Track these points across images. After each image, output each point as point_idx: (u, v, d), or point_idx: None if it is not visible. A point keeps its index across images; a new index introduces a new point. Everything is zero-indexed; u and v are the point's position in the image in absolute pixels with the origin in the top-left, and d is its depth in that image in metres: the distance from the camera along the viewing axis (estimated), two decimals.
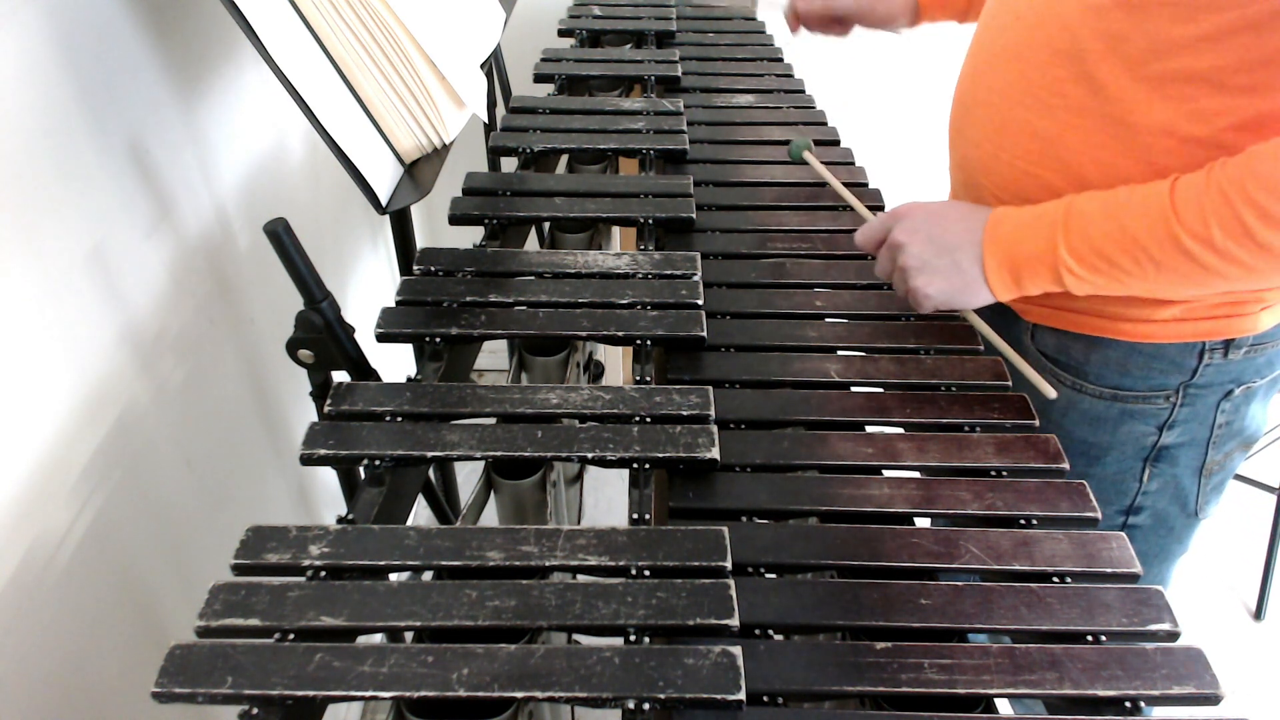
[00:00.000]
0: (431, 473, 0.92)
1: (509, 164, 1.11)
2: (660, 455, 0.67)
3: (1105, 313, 0.80)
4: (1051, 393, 0.75)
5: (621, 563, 0.59)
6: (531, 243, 1.01)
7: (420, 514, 1.51)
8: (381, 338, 0.79)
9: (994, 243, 0.72)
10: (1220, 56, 0.64)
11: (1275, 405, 0.87)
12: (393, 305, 0.81)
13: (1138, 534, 0.90)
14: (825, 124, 1.18)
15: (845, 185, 0.90)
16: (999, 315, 0.83)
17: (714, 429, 0.69)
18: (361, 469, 0.70)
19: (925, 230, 0.74)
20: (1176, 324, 0.78)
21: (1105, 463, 0.87)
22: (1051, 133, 0.74)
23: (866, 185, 1.04)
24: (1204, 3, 0.63)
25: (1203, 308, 0.77)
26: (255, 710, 0.51)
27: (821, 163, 0.92)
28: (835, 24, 1.08)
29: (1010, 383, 0.77)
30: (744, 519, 0.65)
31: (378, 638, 0.58)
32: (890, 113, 1.82)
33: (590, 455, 0.67)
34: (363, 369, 0.77)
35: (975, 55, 0.83)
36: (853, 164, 1.09)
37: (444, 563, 0.59)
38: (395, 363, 1.00)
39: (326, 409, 0.71)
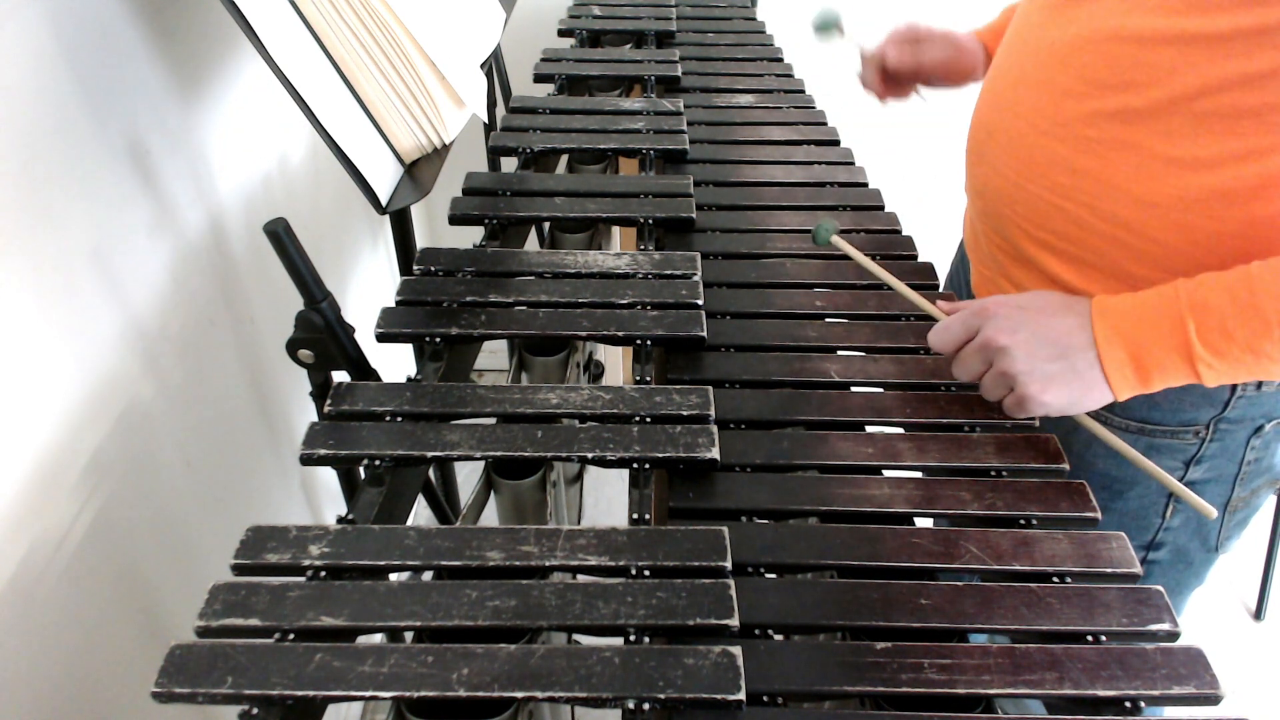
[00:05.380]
0: (431, 473, 0.92)
1: (509, 164, 1.11)
2: (660, 455, 0.67)
3: None
4: (1212, 512, 0.68)
5: (621, 563, 0.59)
6: (531, 243, 1.01)
7: (420, 514, 1.51)
8: (381, 338, 0.79)
9: (1112, 341, 0.65)
10: (1272, 94, 0.62)
11: None
12: (393, 305, 0.81)
13: (1156, 569, 0.87)
14: (825, 124, 1.18)
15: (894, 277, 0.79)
16: None
17: (714, 429, 0.69)
18: (361, 469, 0.70)
19: (1028, 330, 0.67)
20: None
21: (1128, 498, 0.84)
22: (1084, 165, 0.71)
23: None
24: (1259, 38, 0.61)
25: None
26: (255, 710, 0.51)
27: (862, 255, 0.81)
28: (907, 85, 1.02)
29: None
30: (744, 519, 0.65)
31: (378, 638, 0.58)
32: (890, 113, 1.81)
33: (590, 455, 0.67)
34: (363, 369, 0.77)
35: (1001, 78, 0.79)
36: (853, 164, 1.09)
37: (444, 563, 0.59)
38: (395, 363, 1.01)
39: (326, 409, 0.71)
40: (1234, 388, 0.76)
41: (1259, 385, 0.75)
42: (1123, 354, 0.65)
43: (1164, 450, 0.80)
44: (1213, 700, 0.54)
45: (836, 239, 0.79)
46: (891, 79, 1.00)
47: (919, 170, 1.82)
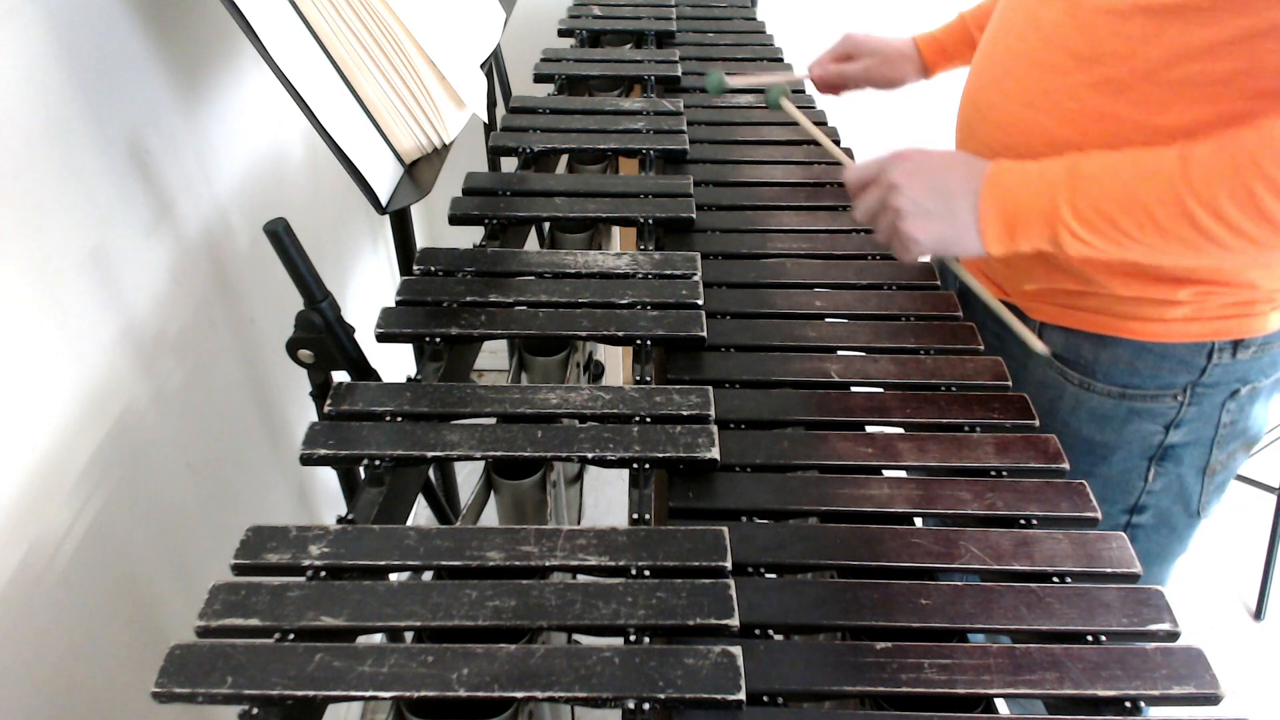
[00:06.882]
0: (431, 473, 0.92)
1: (509, 164, 1.11)
2: (660, 455, 0.67)
3: (1115, 311, 0.80)
4: (1042, 348, 0.74)
5: (621, 563, 0.59)
6: (531, 243, 1.01)
7: (420, 514, 1.51)
8: (381, 338, 0.79)
9: (993, 194, 0.70)
10: (1241, 60, 0.64)
11: (1275, 406, 0.88)
12: (393, 305, 0.81)
13: (1140, 533, 0.90)
14: (825, 123, 1.18)
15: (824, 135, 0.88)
16: None
17: (714, 429, 0.69)
18: (361, 469, 0.70)
19: (924, 174, 0.72)
20: (1186, 323, 0.78)
21: (1111, 461, 0.87)
22: (1067, 137, 0.73)
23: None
24: (1227, 7, 0.63)
25: (1213, 308, 0.77)
26: (255, 710, 0.51)
27: (804, 116, 0.90)
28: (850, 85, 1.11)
29: (1010, 382, 0.77)
30: (744, 519, 0.65)
31: (378, 638, 0.58)
32: (890, 112, 1.81)
33: (590, 455, 0.67)
34: (363, 369, 0.77)
35: (988, 57, 0.82)
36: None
37: (444, 563, 0.59)
38: (395, 363, 1.01)
39: (326, 409, 0.71)
40: (1210, 355, 0.79)
41: (1234, 352, 0.79)
42: (998, 208, 0.70)
43: (1145, 414, 0.83)
44: (1213, 700, 0.54)
45: (786, 103, 0.89)
46: (829, 86, 1.11)
47: None
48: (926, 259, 0.89)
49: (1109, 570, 0.61)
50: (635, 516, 0.64)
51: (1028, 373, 0.88)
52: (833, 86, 1.10)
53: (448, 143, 0.96)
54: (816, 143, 0.87)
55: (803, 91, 1.25)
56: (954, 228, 0.71)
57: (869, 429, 0.73)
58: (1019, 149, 0.77)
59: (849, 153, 0.90)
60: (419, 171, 0.93)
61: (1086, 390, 0.85)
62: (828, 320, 0.84)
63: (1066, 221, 0.67)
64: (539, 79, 1.26)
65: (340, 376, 0.77)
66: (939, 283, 0.90)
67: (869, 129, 1.41)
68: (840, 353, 0.80)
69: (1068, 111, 0.73)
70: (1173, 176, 0.64)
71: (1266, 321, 0.78)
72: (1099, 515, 0.66)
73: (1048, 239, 0.68)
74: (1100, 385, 0.84)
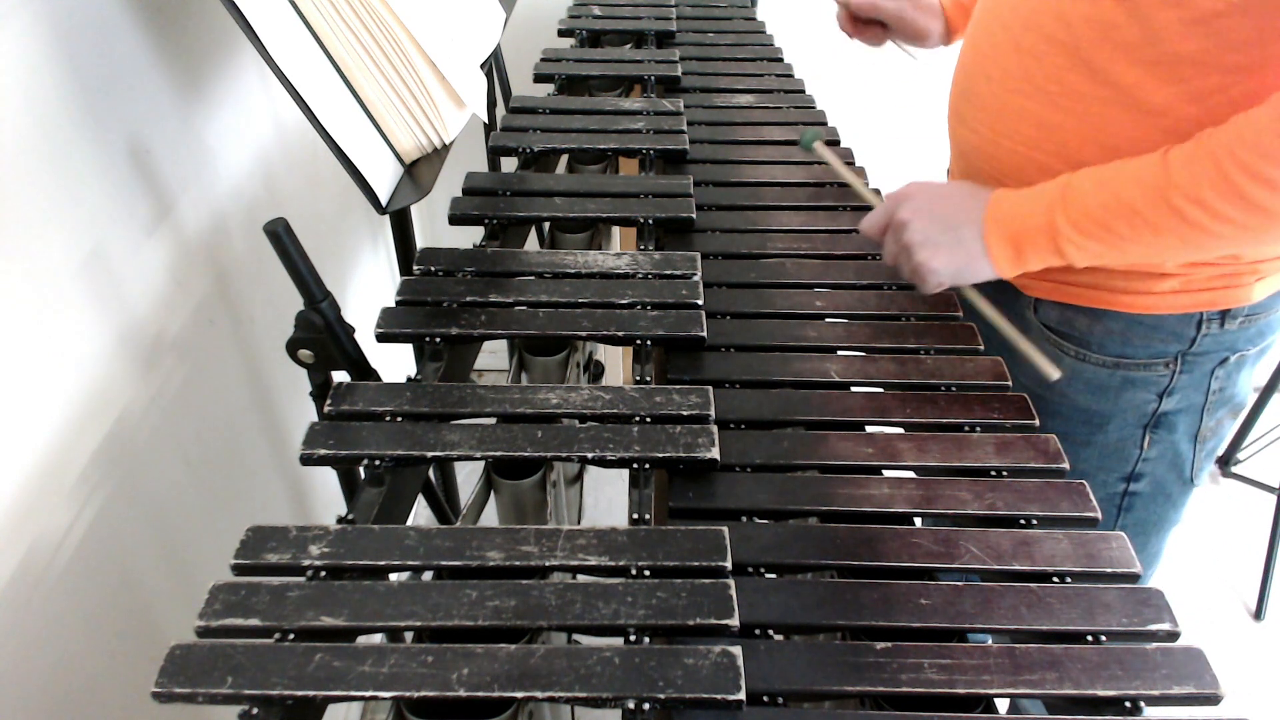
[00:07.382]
0: (431, 473, 0.92)
1: (509, 164, 1.11)
2: (660, 455, 0.67)
3: (1106, 286, 0.82)
4: (1055, 373, 0.76)
5: (621, 563, 0.59)
6: (531, 243, 1.01)
7: (420, 514, 1.51)
8: (381, 338, 0.79)
9: (995, 219, 0.74)
10: (1209, 38, 0.66)
11: (1275, 403, 0.89)
12: (393, 305, 0.81)
13: (1138, 501, 0.93)
14: (825, 124, 1.18)
15: (854, 175, 0.91)
16: (1000, 291, 0.84)
17: (714, 429, 0.69)
18: (361, 469, 0.70)
19: (928, 208, 0.77)
20: (1175, 296, 0.80)
21: (1108, 430, 0.89)
22: (1051, 118, 0.76)
23: (866, 185, 1.04)
24: None
25: (1200, 279, 0.79)
26: (255, 710, 0.51)
27: (834, 156, 0.93)
28: (875, 29, 1.09)
29: (1010, 382, 0.77)
30: (744, 519, 0.65)
31: (378, 638, 0.58)
32: (890, 112, 1.82)
33: (590, 455, 0.67)
34: (363, 369, 0.77)
35: (974, 44, 0.85)
36: (853, 164, 1.09)
37: (444, 563, 0.59)
38: (395, 363, 1.01)
39: (326, 409, 0.71)
40: (1199, 325, 0.81)
41: (1222, 323, 0.81)
42: (1002, 231, 0.74)
43: (1139, 383, 0.86)
44: (1213, 700, 0.54)
45: (820, 147, 0.92)
46: (858, 21, 1.09)
47: (919, 170, 1.82)
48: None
49: (1109, 570, 0.61)
50: (635, 516, 0.64)
51: (1023, 353, 0.89)
52: (857, 23, 1.08)
53: (448, 143, 0.96)
54: (847, 184, 0.91)
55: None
56: (965, 255, 0.76)
57: (869, 429, 0.73)
58: (1007, 133, 0.80)
59: (878, 193, 0.91)
60: (419, 171, 0.93)
61: (1082, 361, 0.87)
62: (828, 320, 0.84)
63: (1065, 232, 0.71)
64: (539, 79, 1.26)
65: (340, 376, 0.77)
66: None
67: (868, 125, 1.41)
68: (840, 353, 0.80)
69: (1049, 94, 0.76)
70: (1156, 177, 0.67)
71: (1252, 292, 0.80)
72: (1099, 515, 0.66)
73: (1053, 252, 0.73)
74: (1095, 356, 0.86)
